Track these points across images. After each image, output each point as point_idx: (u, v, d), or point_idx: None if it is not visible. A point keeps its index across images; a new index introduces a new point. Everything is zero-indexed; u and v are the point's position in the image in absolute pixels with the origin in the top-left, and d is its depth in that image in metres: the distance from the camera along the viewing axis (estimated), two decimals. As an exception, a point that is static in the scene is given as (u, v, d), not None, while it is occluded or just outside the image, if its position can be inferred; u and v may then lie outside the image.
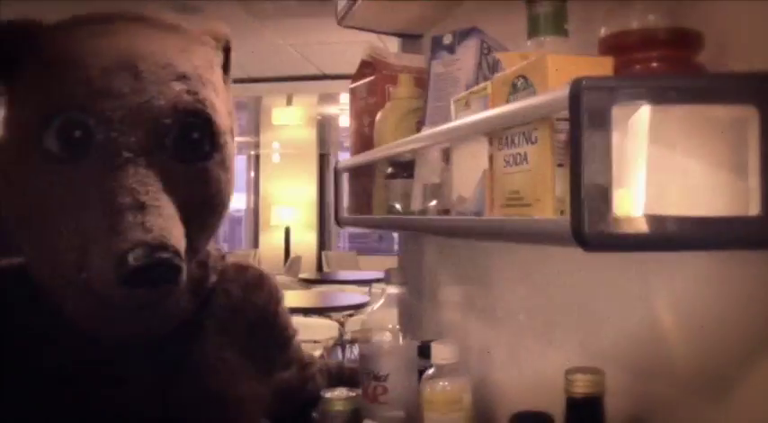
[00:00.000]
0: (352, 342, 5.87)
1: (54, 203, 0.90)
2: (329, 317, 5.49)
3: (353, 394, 1.33)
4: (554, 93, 0.61)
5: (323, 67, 6.69)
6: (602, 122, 0.57)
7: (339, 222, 1.48)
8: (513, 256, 1.20)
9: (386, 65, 1.38)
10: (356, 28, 1.65)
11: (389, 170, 1.23)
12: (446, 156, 0.94)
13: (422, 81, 1.22)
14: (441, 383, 1.09)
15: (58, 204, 0.90)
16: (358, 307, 5.82)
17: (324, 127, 9.82)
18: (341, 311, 5.76)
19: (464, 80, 1.04)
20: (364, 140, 1.36)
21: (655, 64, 0.71)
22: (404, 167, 1.19)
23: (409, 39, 1.71)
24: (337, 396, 1.34)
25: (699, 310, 0.77)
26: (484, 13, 1.26)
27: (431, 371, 1.11)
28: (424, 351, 1.17)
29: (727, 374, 0.73)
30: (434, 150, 0.99)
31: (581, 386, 0.77)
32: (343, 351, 6.20)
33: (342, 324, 5.60)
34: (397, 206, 1.16)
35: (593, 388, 0.77)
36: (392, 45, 1.78)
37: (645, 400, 0.84)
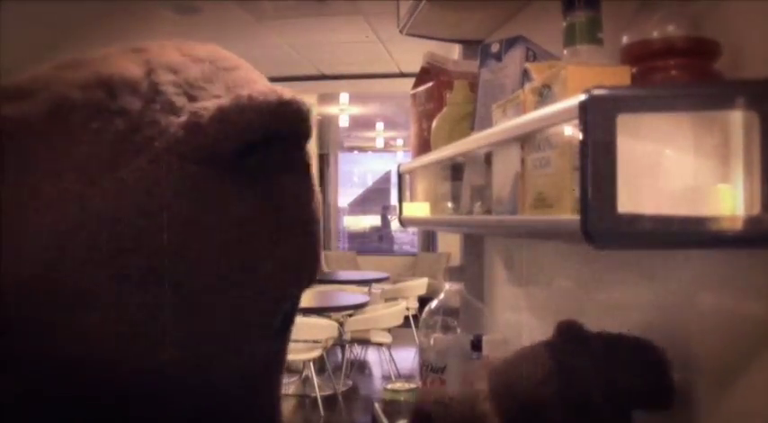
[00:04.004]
0: (352, 342, 5.92)
1: None
2: (329, 317, 5.53)
3: (414, 386, 1.41)
4: (564, 103, 0.66)
5: (323, 67, 6.74)
6: (608, 130, 0.62)
7: (402, 223, 1.55)
8: (562, 256, 1.24)
9: (443, 71, 1.44)
10: (418, 35, 1.72)
11: (444, 173, 1.30)
12: (489, 159, 1.00)
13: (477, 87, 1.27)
14: (491, 375, 1.15)
15: None
16: (357, 307, 5.86)
17: (323, 127, 9.82)
18: (340, 311, 5.78)
19: (510, 87, 1.09)
20: (424, 144, 1.42)
21: (674, 72, 0.75)
22: (458, 170, 1.25)
23: (471, 45, 1.76)
24: (399, 387, 1.41)
25: (710, 306, 0.81)
26: (543, 17, 1.30)
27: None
28: (476, 344, 1.23)
29: (740, 366, 0.77)
30: (480, 154, 1.05)
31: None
32: (343, 351, 6.25)
33: (341, 324, 5.63)
34: (450, 207, 1.22)
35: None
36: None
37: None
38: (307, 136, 0.68)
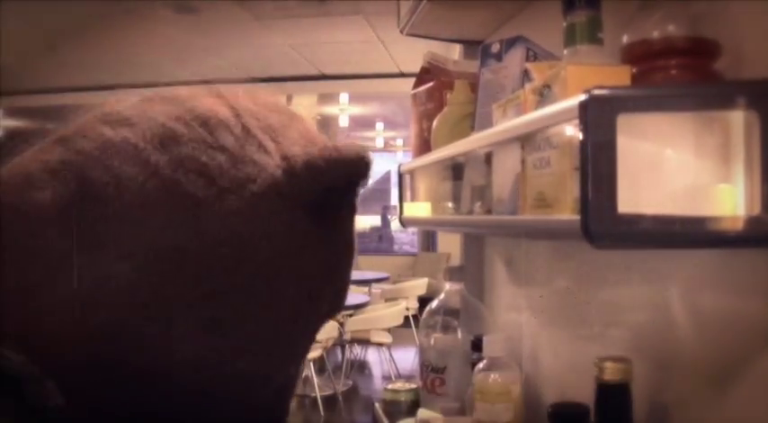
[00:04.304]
0: (352, 342, 5.93)
1: None
2: (329, 317, 5.52)
3: (414, 386, 1.41)
4: (565, 103, 0.66)
5: (323, 67, 6.74)
6: (608, 130, 0.62)
7: (402, 223, 1.55)
8: (563, 256, 1.24)
9: (444, 71, 1.44)
10: (419, 35, 1.72)
11: (445, 173, 1.30)
12: (489, 159, 1.00)
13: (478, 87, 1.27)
14: (491, 375, 1.15)
15: None
16: (358, 307, 5.86)
17: (323, 127, 9.81)
18: (340, 311, 5.75)
19: (510, 87, 1.09)
20: (424, 144, 1.42)
21: (674, 72, 0.75)
22: (459, 170, 1.25)
23: (471, 45, 1.76)
24: (399, 387, 1.42)
25: (709, 306, 0.81)
26: (544, 17, 1.30)
27: (483, 363, 1.17)
28: (477, 344, 1.23)
29: (739, 366, 0.77)
30: (480, 154, 1.05)
31: (610, 373, 0.82)
32: (343, 351, 6.24)
33: (341, 324, 5.65)
34: (450, 206, 1.22)
35: (622, 375, 0.82)
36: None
37: (665, 388, 0.88)
38: (366, 182, 0.77)
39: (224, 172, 0.69)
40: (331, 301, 0.79)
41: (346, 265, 0.80)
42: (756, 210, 0.63)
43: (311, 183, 0.70)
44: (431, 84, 1.43)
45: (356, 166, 0.71)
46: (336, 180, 0.71)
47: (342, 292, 0.82)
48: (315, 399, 5.37)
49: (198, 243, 0.67)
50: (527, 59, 1.09)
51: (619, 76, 0.73)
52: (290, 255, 0.71)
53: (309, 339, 0.80)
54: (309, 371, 5.45)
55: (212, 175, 0.68)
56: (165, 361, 0.67)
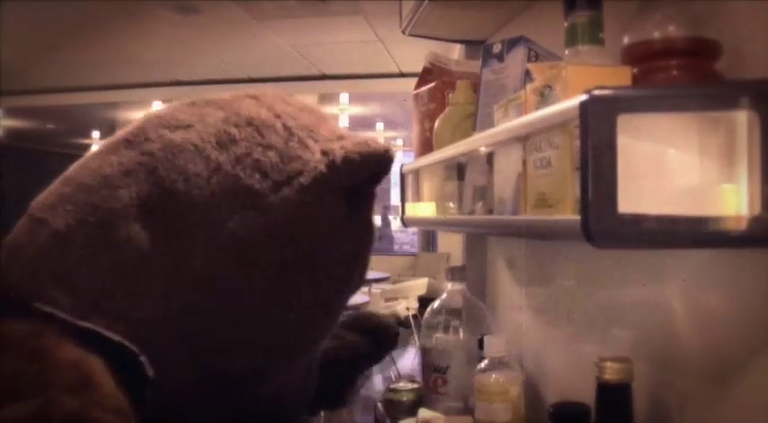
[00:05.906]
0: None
1: None
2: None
3: (416, 385, 1.41)
4: (565, 103, 0.66)
5: (323, 67, 6.76)
6: (608, 130, 0.62)
7: (404, 223, 1.55)
8: (565, 256, 1.25)
9: (446, 71, 1.44)
10: (421, 36, 1.72)
11: (447, 173, 1.30)
12: (490, 159, 1.00)
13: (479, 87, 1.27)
14: (492, 375, 1.15)
15: None
16: (357, 307, 5.89)
17: None
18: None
19: (511, 87, 1.09)
20: (426, 144, 1.42)
21: (675, 72, 0.75)
22: (462, 170, 1.26)
23: (473, 45, 1.76)
24: (401, 387, 1.42)
25: (710, 305, 0.81)
26: (545, 17, 1.31)
27: (484, 363, 1.17)
28: (482, 344, 1.23)
29: (737, 365, 0.77)
30: (481, 154, 1.05)
31: (611, 373, 0.82)
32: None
33: (342, 323, 5.68)
34: (452, 206, 1.22)
35: (623, 375, 0.82)
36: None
37: (665, 388, 0.89)
38: (387, 175, 0.88)
39: (275, 167, 0.77)
40: (360, 283, 0.93)
41: (369, 247, 0.91)
42: (758, 210, 0.63)
43: (349, 174, 0.79)
44: (433, 84, 1.43)
45: (383, 159, 0.82)
46: (368, 171, 0.81)
47: (365, 272, 0.94)
48: (315, 398, 5.36)
49: (258, 231, 0.74)
50: (528, 60, 1.09)
51: (619, 77, 0.73)
52: (333, 238, 0.80)
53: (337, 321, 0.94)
54: (310, 371, 5.44)
55: (266, 169, 0.76)
56: (231, 337, 0.76)
